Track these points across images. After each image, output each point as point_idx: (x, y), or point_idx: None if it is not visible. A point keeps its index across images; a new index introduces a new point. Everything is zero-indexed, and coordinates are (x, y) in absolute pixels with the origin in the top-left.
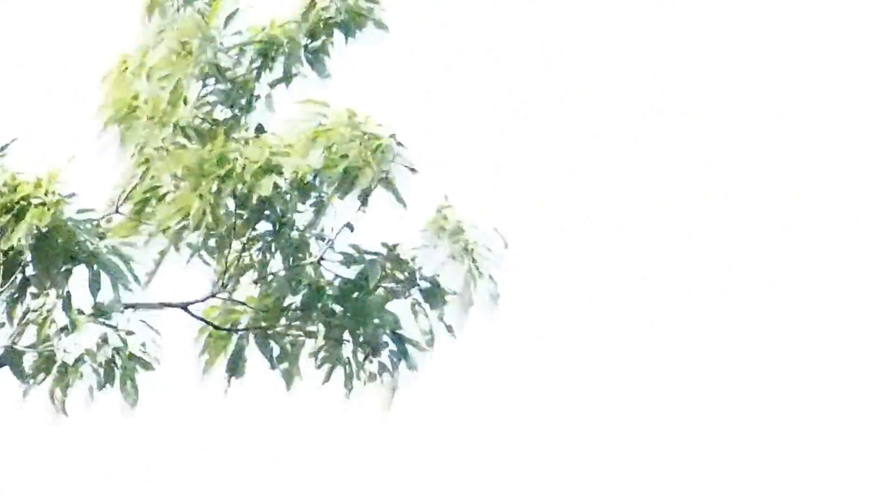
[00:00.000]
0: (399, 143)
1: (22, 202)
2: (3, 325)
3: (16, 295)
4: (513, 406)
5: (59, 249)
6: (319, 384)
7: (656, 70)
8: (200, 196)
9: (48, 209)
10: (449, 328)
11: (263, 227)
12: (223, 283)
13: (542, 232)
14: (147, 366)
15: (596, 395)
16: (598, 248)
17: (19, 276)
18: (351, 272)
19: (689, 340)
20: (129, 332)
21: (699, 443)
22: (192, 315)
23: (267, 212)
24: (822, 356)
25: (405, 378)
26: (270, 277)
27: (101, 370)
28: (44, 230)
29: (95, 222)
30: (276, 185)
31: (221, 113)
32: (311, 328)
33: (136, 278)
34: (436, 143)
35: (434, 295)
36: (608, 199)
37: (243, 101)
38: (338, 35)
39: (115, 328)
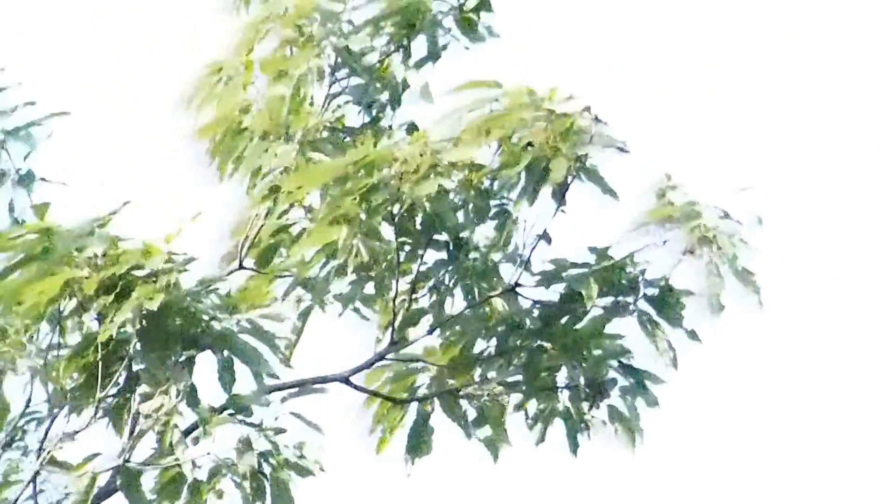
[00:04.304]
0: (597, 119)
1: (127, 277)
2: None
3: (122, 398)
4: (784, 438)
5: (174, 333)
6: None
7: None
8: (347, 221)
9: (162, 284)
10: (691, 333)
11: (433, 256)
12: (391, 339)
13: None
14: (305, 472)
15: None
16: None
17: (124, 373)
18: (551, 294)
19: None
20: (279, 430)
21: None
22: (356, 388)
23: (436, 234)
24: None
25: (643, 417)
26: (452, 320)
27: (246, 484)
28: (154, 309)
29: (216, 288)
30: (444, 191)
31: (358, 116)
32: (514, 378)
33: (283, 360)
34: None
35: (666, 302)
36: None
37: (385, 97)
38: None
39: (258, 427)
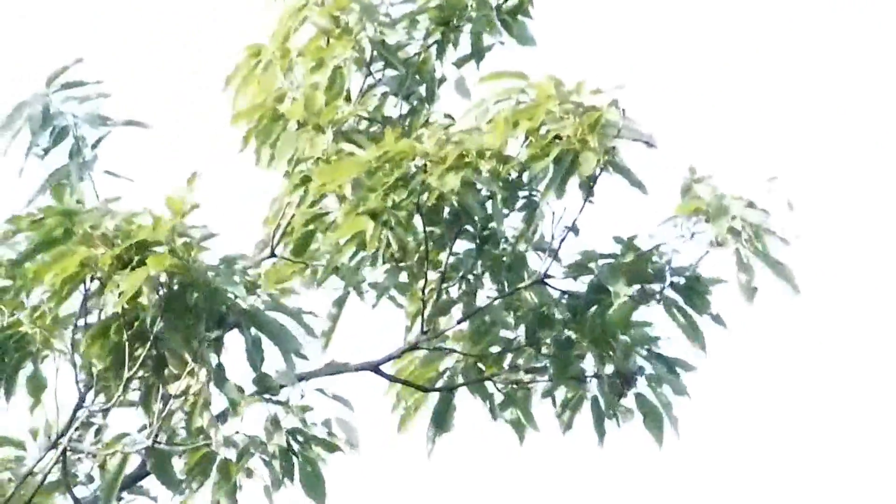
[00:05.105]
0: (624, 113)
1: (139, 250)
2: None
3: (150, 379)
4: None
5: (199, 311)
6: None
7: None
8: (374, 214)
9: (172, 254)
10: (716, 318)
11: (462, 246)
12: (422, 329)
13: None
14: (333, 448)
15: None
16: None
17: (152, 353)
18: (579, 284)
19: None
20: (307, 408)
21: None
22: (386, 376)
23: (466, 225)
24: None
25: (673, 405)
26: (481, 310)
27: (276, 462)
28: (174, 286)
29: (244, 267)
30: (469, 184)
31: (395, 108)
32: (542, 368)
33: (311, 333)
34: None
35: (694, 290)
36: None
37: (422, 89)
38: None
39: (286, 405)
